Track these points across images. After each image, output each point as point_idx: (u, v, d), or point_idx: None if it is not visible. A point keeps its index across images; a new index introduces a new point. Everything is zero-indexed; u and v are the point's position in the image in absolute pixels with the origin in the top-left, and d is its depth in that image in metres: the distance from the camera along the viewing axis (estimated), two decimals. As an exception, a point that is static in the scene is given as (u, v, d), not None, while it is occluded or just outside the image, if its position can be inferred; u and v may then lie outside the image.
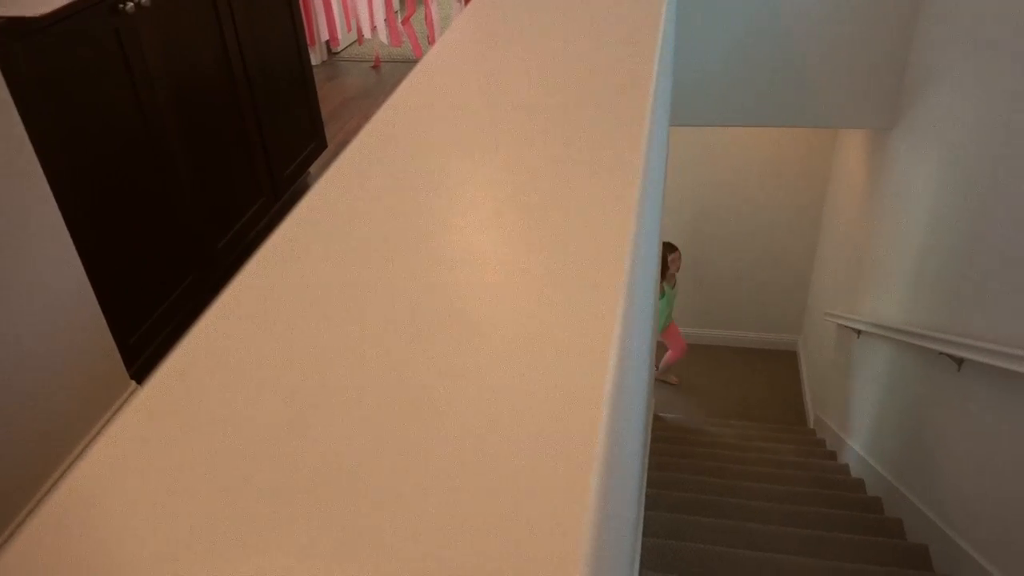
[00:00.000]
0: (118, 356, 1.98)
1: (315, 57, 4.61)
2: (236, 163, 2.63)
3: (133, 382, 2.02)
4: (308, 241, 0.51)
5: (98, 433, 1.88)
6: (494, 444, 0.33)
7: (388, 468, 0.33)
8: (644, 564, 2.29)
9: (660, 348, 4.88)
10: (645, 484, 2.63)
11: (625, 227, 0.47)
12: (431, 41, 4.65)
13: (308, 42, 3.52)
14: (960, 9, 2.57)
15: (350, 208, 0.54)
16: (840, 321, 3.85)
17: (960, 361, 2.28)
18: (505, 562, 0.28)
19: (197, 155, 2.38)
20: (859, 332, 3.54)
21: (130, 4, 2.00)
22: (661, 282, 4.28)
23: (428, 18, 4.67)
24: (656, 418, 4.43)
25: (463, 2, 4.36)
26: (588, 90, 0.68)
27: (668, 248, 4.32)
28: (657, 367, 4.95)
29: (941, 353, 2.37)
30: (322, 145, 3.29)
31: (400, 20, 4.74)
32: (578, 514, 0.29)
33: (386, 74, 4.62)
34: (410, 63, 4.66)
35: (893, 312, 3.09)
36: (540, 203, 0.51)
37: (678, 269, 4.42)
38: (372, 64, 4.74)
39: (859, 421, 3.51)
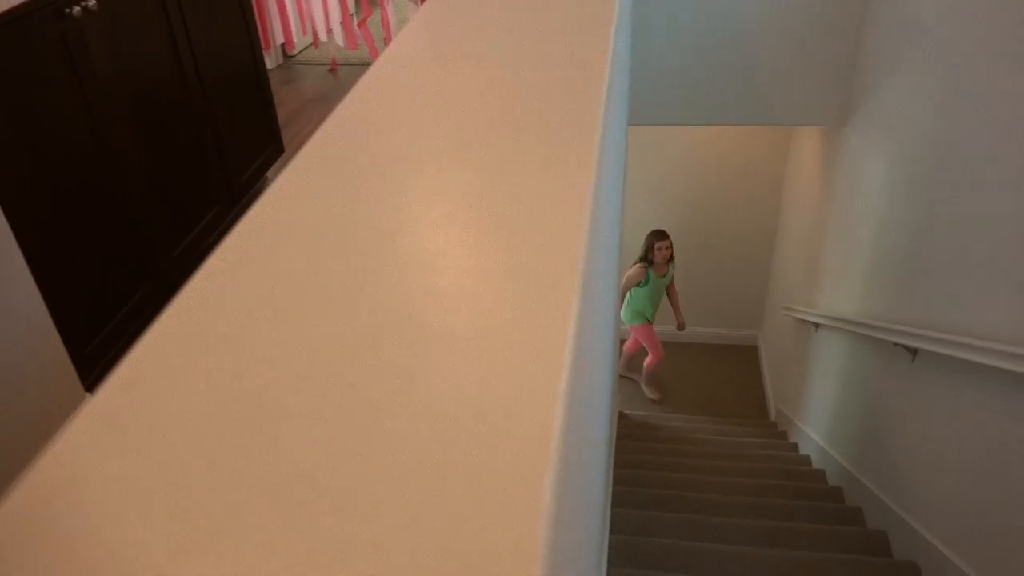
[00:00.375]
0: (71, 367, 1.94)
1: (270, 61, 4.55)
2: (191, 169, 2.59)
3: (88, 394, 1.98)
4: (259, 247, 0.51)
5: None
6: (449, 445, 0.33)
7: (344, 472, 0.32)
8: (612, 561, 2.31)
9: (640, 353, 4.87)
10: (611, 481, 2.65)
11: (579, 225, 0.47)
12: (388, 43, 4.62)
13: (263, 45, 3.48)
14: (906, 9, 2.63)
15: (302, 213, 0.54)
16: (798, 315, 3.92)
17: (914, 351, 2.34)
18: (461, 562, 0.28)
19: (150, 161, 2.34)
20: (817, 325, 3.61)
21: (76, 8, 1.95)
22: (645, 269, 4.26)
23: (384, 20, 4.65)
24: (621, 415, 4.46)
25: (419, 3, 4.34)
26: (541, 90, 0.68)
27: (655, 236, 4.25)
28: (638, 372, 4.93)
29: (896, 344, 2.43)
30: (279, 149, 3.25)
31: (356, 23, 4.71)
32: (534, 513, 0.29)
33: (343, 77, 4.58)
34: (367, 66, 4.62)
35: (849, 305, 3.16)
36: (494, 204, 0.51)
37: (666, 258, 4.28)
38: (329, 67, 4.70)
39: (819, 413, 3.58)
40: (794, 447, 3.92)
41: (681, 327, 4.57)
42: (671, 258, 4.33)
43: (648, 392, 4.92)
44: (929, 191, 2.35)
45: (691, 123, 3.80)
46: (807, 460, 3.60)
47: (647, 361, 4.77)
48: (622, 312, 4.47)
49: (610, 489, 2.53)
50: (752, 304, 5.51)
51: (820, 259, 3.78)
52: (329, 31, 4.66)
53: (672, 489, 3.00)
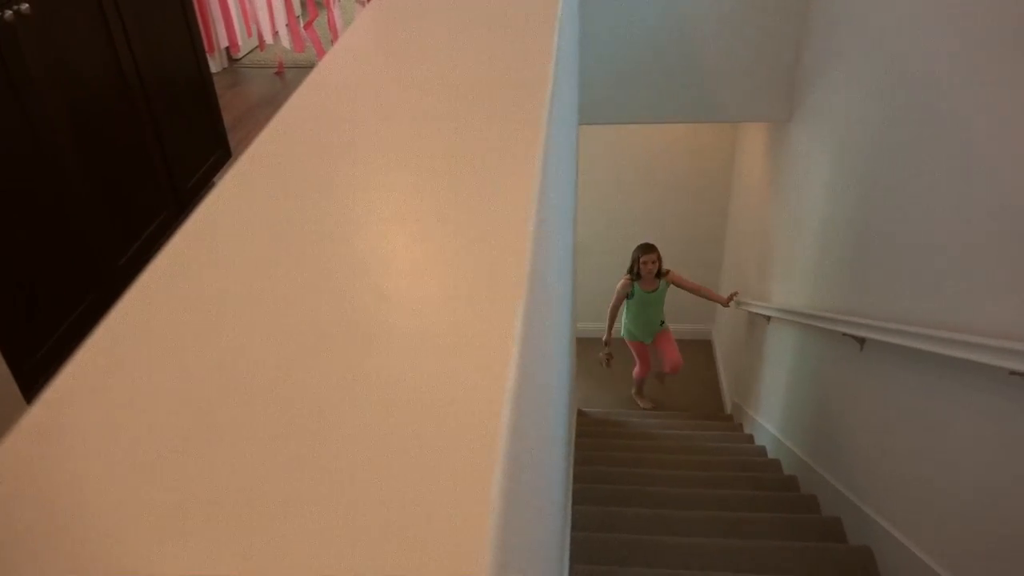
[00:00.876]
0: (12, 381, 1.87)
1: (215, 64, 4.47)
2: (135, 175, 2.52)
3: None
4: (201, 252, 0.49)
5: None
6: (395, 448, 0.32)
7: (286, 480, 0.32)
8: (574, 558, 2.32)
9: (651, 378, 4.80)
10: (572, 479, 2.66)
11: (525, 222, 0.47)
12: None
13: (206, 49, 3.41)
14: (845, 5, 2.70)
15: (245, 216, 0.53)
16: (750, 308, 3.98)
17: (862, 341, 2.40)
18: (406, 562, 0.27)
19: (93, 168, 2.27)
20: (769, 318, 3.67)
21: (8, 12, 1.89)
22: (631, 283, 4.11)
23: (331, 22, 4.60)
24: (580, 413, 4.48)
25: (364, 4, 4.31)
26: (486, 89, 0.68)
27: (640, 249, 4.06)
28: (647, 399, 4.83)
29: (844, 334, 2.49)
30: (226, 154, 3.19)
31: (302, 25, 4.65)
32: (481, 512, 0.29)
33: (291, 80, 4.52)
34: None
35: (799, 297, 3.22)
36: (437, 205, 0.51)
37: (652, 272, 4.05)
38: (275, 70, 4.63)
39: (773, 404, 3.65)
40: (750, 439, 3.99)
41: (726, 302, 4.15)
42: (661, 272, 4.11)
43: (638, 401, 4.90)
44: (872, 183, 2.41)
45: (641, 122, 3.84)
46: (762, 451, 3.66)
47: (634, 370, 4.68)
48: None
49: (570, 487, 2.55)
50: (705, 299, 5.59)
51: (770, 253, 3.85)
52: (275, 33, 4.59)
53: (633, 484, 3.03)
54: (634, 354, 4.53)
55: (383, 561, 0.28)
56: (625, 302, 4.22)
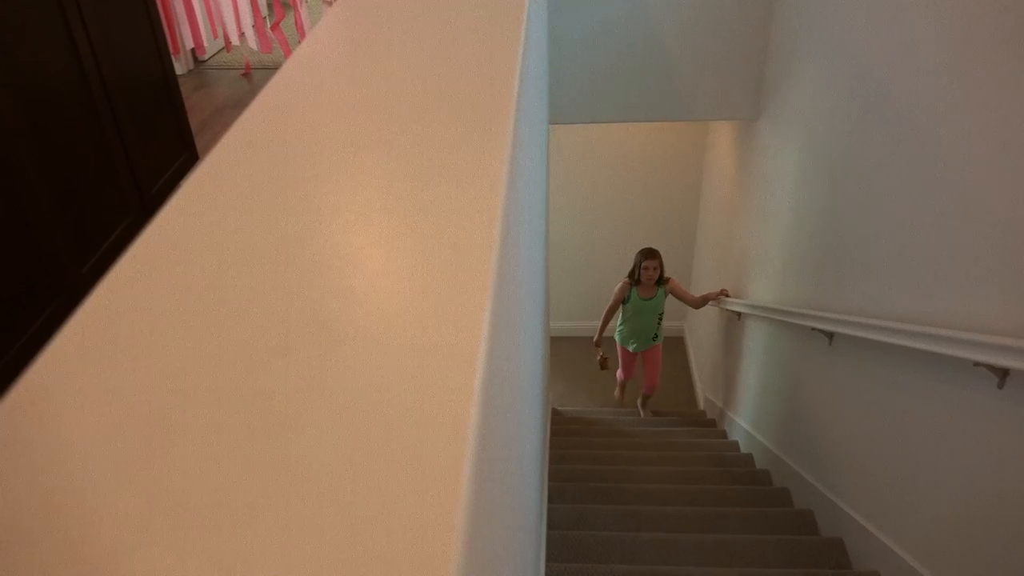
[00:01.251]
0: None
1: (180, 66, 4.41)
2: (98, 180, 2.48)
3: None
4: (163, 256, 0.49)
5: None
6: (360, 452, 0.32)
7: (252, 483, 0.31)
8: (551, 557, 2.32)
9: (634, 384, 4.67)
10: (547, 478, 2.66)
11: (491, 223, 0.46)
12: (304, 46, 4.52)
13: (171, 50, 3.36)
14: (808, 8, 2.73)
15: (209, 219, 0.52)
16: (721, 305, 4.02)
17: (831, 335, 2.43)
18: (373, 568, 0.27)
19: (52, 173, 2.23)
20: (740, 314, 3.71)
21: (-36, 13, 1.85)
22: (629, 287, 3.96)
23: (298, 23, 4.56)
24: (555, 412, 4.50)
25: (331, 5, 4.27)
26: (451, 88, 0.67)
27: (643, 254, 3.91)
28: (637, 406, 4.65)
29: (814, 329, 2.52)
30: (193, 157, 3.15)
31: (269, 26, 4.61)
32: (449, 515, 0.29)
33: (258, 82, 4.47)
34: (283, 69, 4.52)
35: (769, 293, 3.26)
36: (403, 206, 0.50)
37: (652, 279, 3.90)
38: (242, 72, 4.58)
39: (745, 399, 3.68)
40: (723, 434, 4.02)
41: (718, 295, 4.00)
42: (662, 279, 3.97)
43: (619, 399, 4.82)
44: (838, 180, 2.44)
45: (611, 121, 3.85)
46: (735, 446, 3.70)
47: (617, 372, 4.58)
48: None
49: (546, 485, 2.55)
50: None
51: (740, 249, 3.89)
52: (241, 35, 4.54)
53: (608, 482, 3.04)
54: (619, 358, 4.41)
55: (350, 563, 0.27)
56: (621, 306, 4.09)
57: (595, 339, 4.15)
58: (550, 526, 2.49)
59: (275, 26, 4.56)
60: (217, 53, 4.84)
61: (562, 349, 5.36)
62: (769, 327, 3.23)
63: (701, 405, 4.93)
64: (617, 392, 4.75)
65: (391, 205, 0.51)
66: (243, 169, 0.58)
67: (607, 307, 4.06)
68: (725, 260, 4.29)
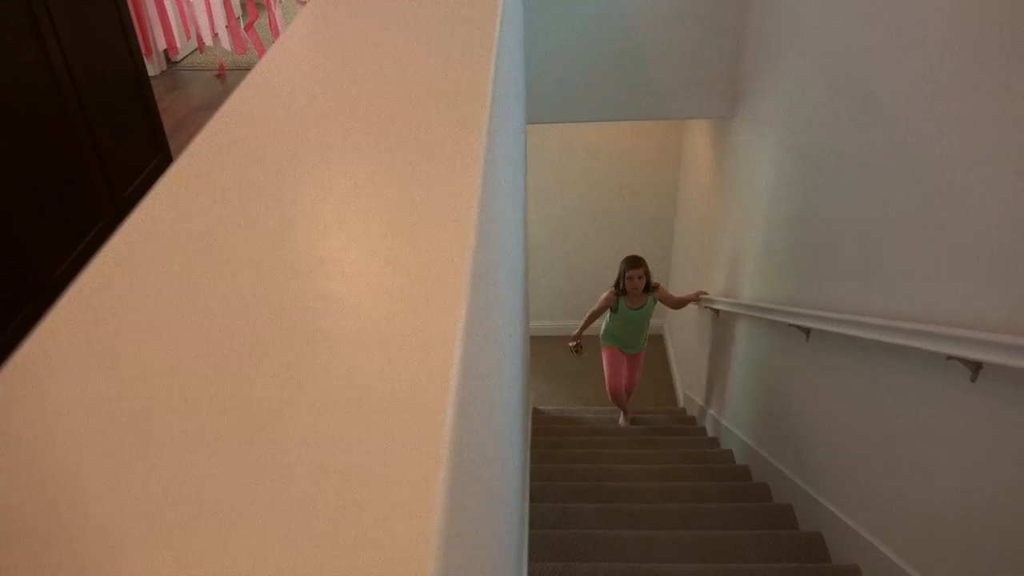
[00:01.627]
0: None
1: (153, 67, 4.36)
2: (70, 183, 2.44)
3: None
4: (138, 257, 0.48)
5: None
6: (338, 452, 0.32)
7: (226, 487, 0.31)
8: (533, 556, 2.32)
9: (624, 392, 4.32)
10: (528, 477, 2.66)
11: (466, 222, 0.46)
12: (279, 47, 4.49)
13: (143, 51, 3.32)
14: (784, 5, 2.75)
15: (183, 220, 0.51)
16: (700, 303, 4.04)
17: (807, 331, 2.45)
18: (349, 571, 0.27)
19: (23, 176, 2.19)
20: (718, 312, 3.73)
21: (-71, 14, 1.81)
22: (616, 297, 3.79)
23: (272, 23, 4.52)
24: (535, 412, 4.49)
25: (305, 4, 4.24)
26: (425, 88, 0.67)
27: (627, 263, 3.75)
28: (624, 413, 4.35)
29: (791, 325, 2.54)
30: (167, 159, 3.11)
31: (243, 26, 4.57)
32: (425, 516, 0.28)
33: (232, 83, 4.43)
34: (258, 70, 4.48)
35: (746, 290, 3.28)
36: (378, 206, 0.50)
37: (639, 288, 3.73)
38: (216, 73, 4.54)
39: (724, 396, 3.70)
40: (703, 431, 4.05)
41: (697, 296, 3.96)
42: (649, 287, 3.79)
43: (623, 413, 4.41)
44: (813, 177, 2.46)
45: (588, 120, 3.86)
46: (715, 442, 3.72)
47: (607, 382, 4.24)
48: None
49: (527, 484, 2.55)
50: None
51: (717, 247, 3.91)
52: (215, 35, 4.50)
53: (589, 480, 3.05)
54: (605, 363, 4.15)
55: (326, 566, 0.27)
56: (609, 313, 3.92)
57: (575, 335, 3.95)
58: (532, 525, 2.49)
59: (249, 27, 4.52)
60: (190, 54, 4.79)
61: (542, 348, 5.37)
62: (747, 324, 3.25)
63: (681, 403, 4.96)
64: (622, 421, 4.39)
65: (365, 207, 0.51)
66: (216, 172, 0.57)
67: (590, 311, 3.90)
68: (703, 258, 4.31)
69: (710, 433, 3.93)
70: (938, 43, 1.67)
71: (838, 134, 2.24)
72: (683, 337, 5.00)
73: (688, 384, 4.74)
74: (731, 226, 3.59)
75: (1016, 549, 1.48)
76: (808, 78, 2.51)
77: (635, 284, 3.71)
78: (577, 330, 3.94)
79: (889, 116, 1.90)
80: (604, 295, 3.87)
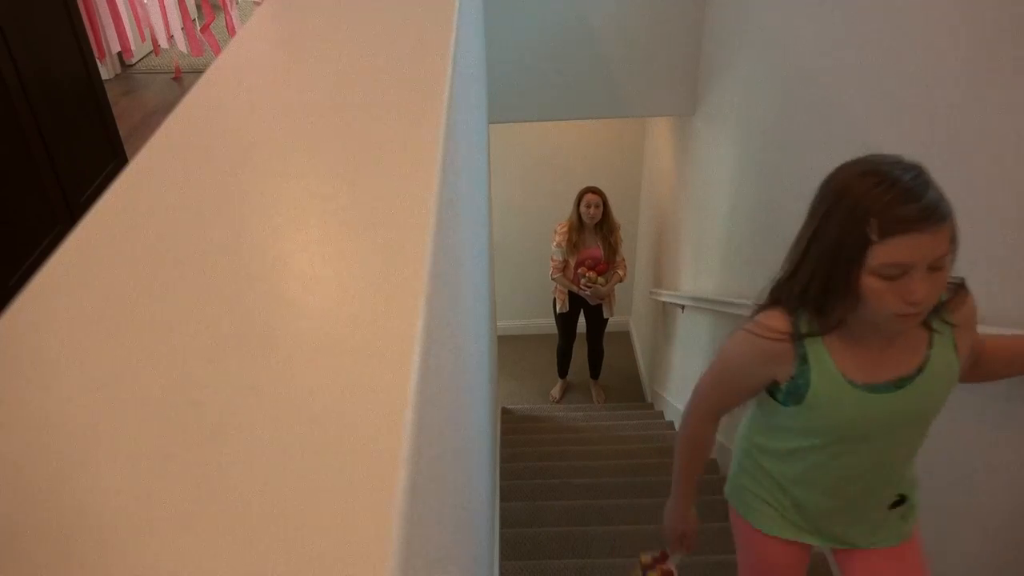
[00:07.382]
0: None
1: (107, 71, 4.27)
2: (21, 190, 2.38)
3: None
4: (89, 263, 0.47)
5: None
6: (296, 459, 0.31)
7: (180, 497, 0.30)
8: (504, 555, 2.32)
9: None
10: (498, 477, 2.66)
11: (424, 224, 0.46)
12: (236, 49, 4.43)
13: (96, 55, 3.25)
14: (736, 4, 2.79)
15: (133, 228, 0.50)
16: (665, 298, 4.08)
17: (769, 323, 2.48)
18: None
19: (-28, 184, 2.14)
20: (683, 307, 3.77)
21: None
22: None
23: (229, 25, 4.46)
24: (504, 411, 4.50)
25: (260, 5, 4.18)
26: (382, 88, 0.67)
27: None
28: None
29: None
30: (123, 164, 3.04)
31: (199, 28, 4.50)
32: (383, 522, 0.28)
33: (189, 85, 4.35)
34: (215, 73, 4.41)
35: (710, 285, 3.31)
36: (335, 208, 0.50)
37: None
38: (173, 76, 4.46)
39: (689, 390, 3.73)
40: (670, 425, 4.08)
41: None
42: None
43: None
44: (771, 172, 2.50)
45: (550, 119, 3.87)
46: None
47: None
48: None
49: (497, 484, 2.55)
50: (622, 290, 5.69)
51: (680, 243, 3.95)
52: (170, 38, 4.42)
53: (559, 478, 3.06)
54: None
55: (282, 569, 0.27)
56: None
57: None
58: (503, 524, 2.49)
59: (205, 28, 4.46)
60: (145, 57, 4.70)
61: (509, 348, 5.37)
62: (710, 318, 3.29)
63: (648, 397, 5.00)
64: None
65: (322, 208, 0.50)
66: (169, 174, 0.56)
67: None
68: (667, 253, 4.35)
69: (677, 428, 3.96)
70: (901, 36, 1.70)
71: (796, 128, 2.27)
72: (649, 332, 5.03)
73: (654, 378, 4.78)
74: (694, 221, 3.63)
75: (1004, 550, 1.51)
76: (766, 73, 2.54)
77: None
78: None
79: (846, 110, 1.94)
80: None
